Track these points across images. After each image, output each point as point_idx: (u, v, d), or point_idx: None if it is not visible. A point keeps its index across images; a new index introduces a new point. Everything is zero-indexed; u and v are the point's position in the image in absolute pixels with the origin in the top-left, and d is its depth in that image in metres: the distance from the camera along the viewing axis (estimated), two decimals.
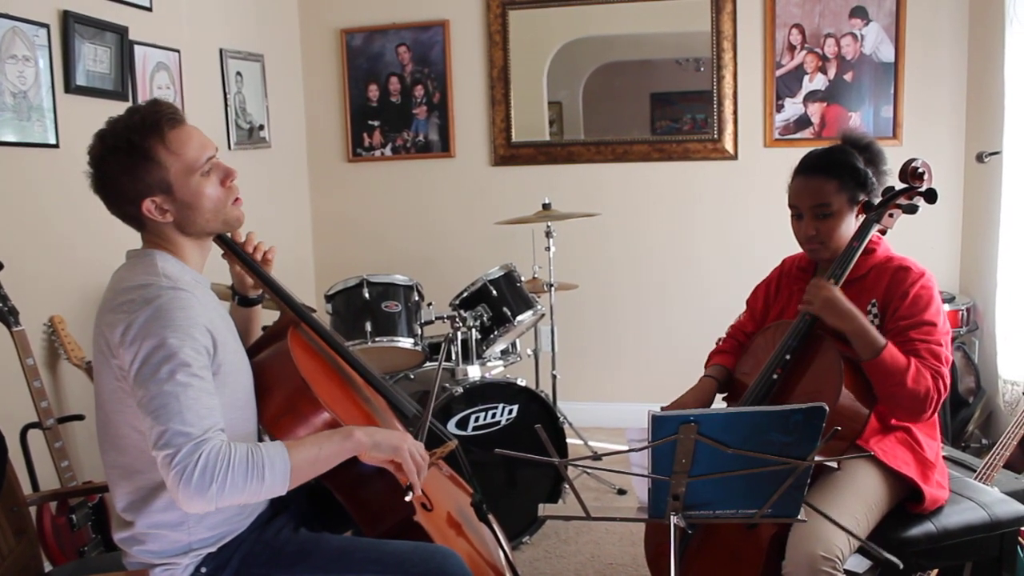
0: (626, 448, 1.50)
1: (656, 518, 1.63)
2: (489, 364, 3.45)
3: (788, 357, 2.11)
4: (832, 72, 4.11)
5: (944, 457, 2.68)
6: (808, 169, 2.16)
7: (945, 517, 2.10)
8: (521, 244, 4.08)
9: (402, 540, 1.85)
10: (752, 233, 4.21)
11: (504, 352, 3.59)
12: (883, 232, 2.21)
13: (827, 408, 1.42)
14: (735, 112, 4.22)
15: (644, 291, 4.44)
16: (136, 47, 3.26)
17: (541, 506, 1.73)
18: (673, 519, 1.61)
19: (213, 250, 1.89)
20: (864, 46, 4.07)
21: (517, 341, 3.67)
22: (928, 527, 2.07)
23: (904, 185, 2.14)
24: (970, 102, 4.03)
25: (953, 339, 3.86)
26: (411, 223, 4.62)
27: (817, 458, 1.59)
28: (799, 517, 1.63)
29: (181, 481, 1.51)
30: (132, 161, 1.67)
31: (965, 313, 3.88)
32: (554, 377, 3.86)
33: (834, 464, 2.03)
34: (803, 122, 4.17)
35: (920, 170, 2.11)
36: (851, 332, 2.02)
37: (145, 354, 1.58)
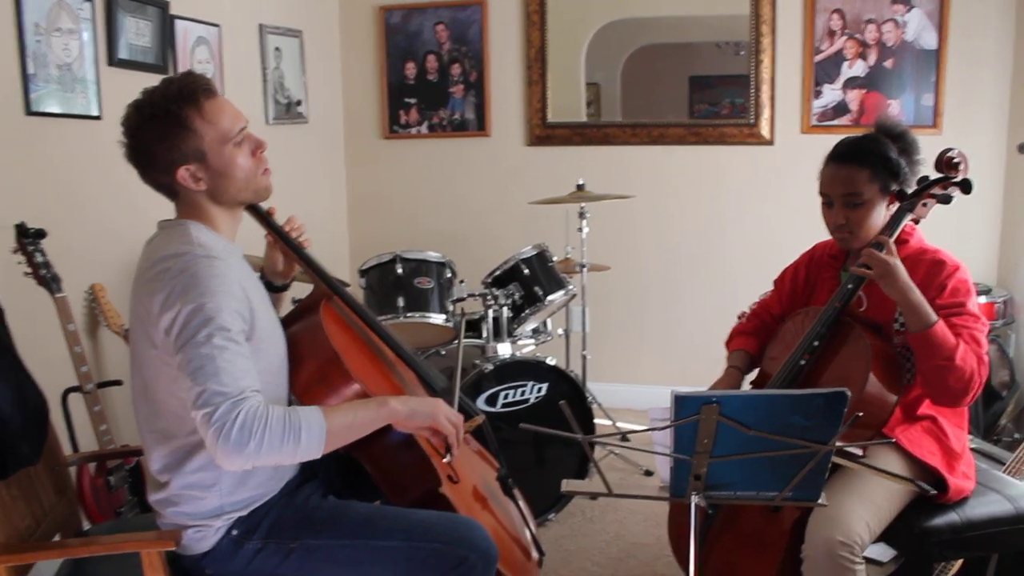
0: (648, 427, 1.52)
1: (677, 497, 1.65)
2: (520, 343, 3.48)
3: (816, 344, 2.11)
4: (872, 59, 4.06)
5: (973, 449, 2.68)
6: (840, 157, 2.15)
7: (970, 508, 2.10)
8: (554, 224, 4.09)
9: (428, 510, 1.89)
10: (786, 220, 4.18)
11: (535, 331, 3.61)
12: (916, 222, 2.19)
13: (849, 394, 1.43)
14: (772, 97, 4.19)
15: (676, 274, 4.44)
16: (177, 21, 3.31)
17: (564, 481, 1.75)
18: (694, 499, 1.62)
19: (249, 226, 1.93)
20: (906, 33, 4.01)
21: (548, 320, 3.69)
22: (952, 517, 2.06)
23: (939, 175, 2.12)
24: (1014, 92, 3.96)
25: (988, 332, 3.83)
26: (445, 201, 4.65)
27: (839, 444, 1.61)
28: (820, 501, 1.64)
29: (220, 438, 1.55)
30: (169, 129, 1.71)
31: (1002, 306, 3.83)
32: (584, 357, 3.89)
33: (859, 451, 2.04)
34: (841, 109, 4.12)
35: (956, 160, 2.09)
36: (906, 302, 1.99)
37: (184, 320, 1.62)
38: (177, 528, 1.78)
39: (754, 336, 2.41)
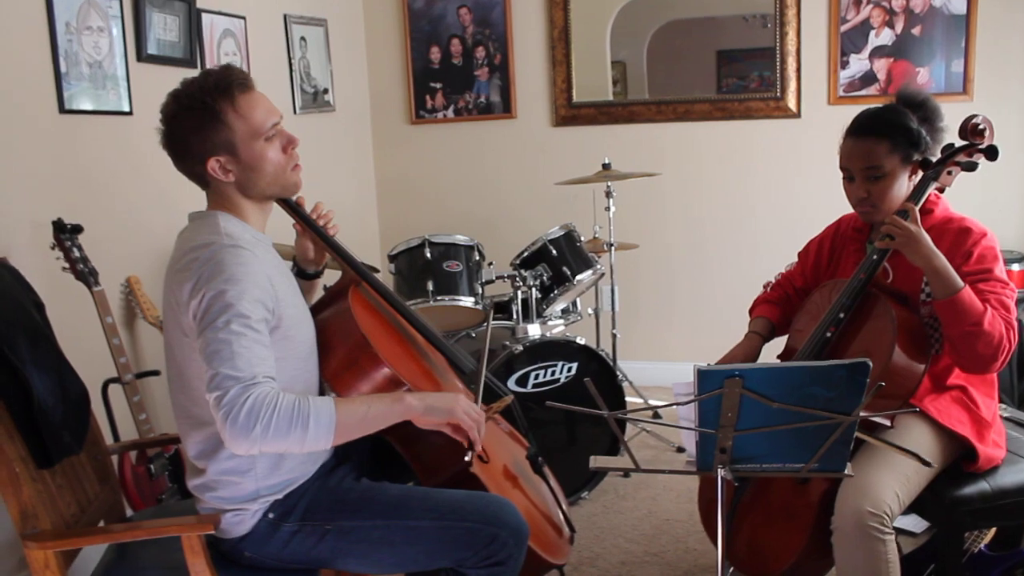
0: (672, 402, 1.54)
1: (704, 471, 1.67)
2: (550, 323, 3.51)
3: (842, 316, 2.11)
4: (900, 26, 4.01)
5: (1005, 418, 2.66)
6: (859, 130, 2.13)
7: (1001, 476, 2.10)
8: (582, 204, 4.10)
9: (459, 489, 1.93)
10: (814, 193, 4.15)
11: (565, 311, 3.63)
12: (941, 190, 2.18)
13: (870, 364, 1.43)
14: (798, 70, 4.15)
15: (703, 250, 4.43)
16: (203, 15, 3.35)
17: (593, 458, 1.77)
18: (720, 472, 1.64)
19: (280, 215, 1.97)
20: None
21: (578, 300, 3.71)
22: (983, 486, 2.06)
23: (964, 142, 2.10)
24: None
25: (1016, 298, 3.78)
26: (473, 184, 4.67)
27: (864, 414, 1.61)
28: (846, 472, 1.65)
29: (228, 420, 1.58)
30: (202, 120, 1.75)
31: None
32: (614, 336, 3.90)
33: (887, 422, 2.04)
34: (869, 79, 4.07)
35: (981, 126, 2.08)
36: (932, 269, 1.98)
37: (206, 306, 1.66)
38: (216, 512, 1.83)
39: (777, 305, 2.42)
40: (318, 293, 2.18)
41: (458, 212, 4.66)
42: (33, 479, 1.81)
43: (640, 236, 4.18)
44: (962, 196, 3.79)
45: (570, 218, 3.57)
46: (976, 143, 2.08)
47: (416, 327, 2.17)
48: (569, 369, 3.19)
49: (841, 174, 2.19)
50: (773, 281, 2.49)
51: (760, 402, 1.49)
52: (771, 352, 2.43)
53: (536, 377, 3.14)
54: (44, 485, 1.85)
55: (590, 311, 3.93)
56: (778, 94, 4.19)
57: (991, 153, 2.07)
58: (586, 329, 4.06)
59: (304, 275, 2.13)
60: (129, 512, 2.46)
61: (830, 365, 1.46)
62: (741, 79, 4.30)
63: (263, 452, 1.65)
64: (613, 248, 3.74)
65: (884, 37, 4.04)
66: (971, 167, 2.08)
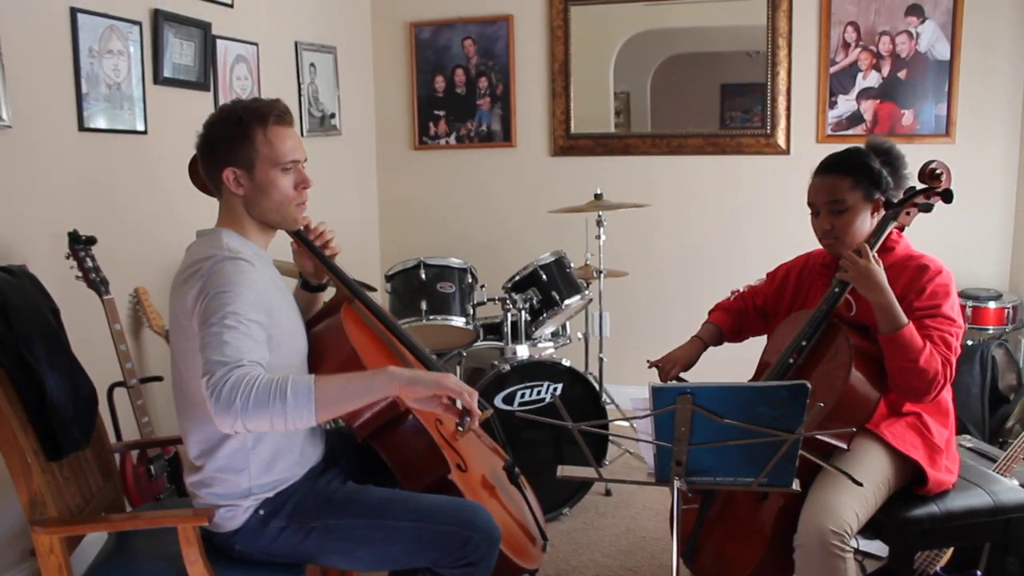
0: (627, 417, 1.67)
1: (661, 482, 1.80)
2: (540, 345, 3.64)
3: (804, 343, 2.25)
4: (886, 69, 4.17)
5: (969, 448, 2.79)
6: (825, 168, 2.30)
7: (950, 500, 2.21)
8: (576, 232, 4.25)
9: (437, 495, 2.06)
10: (802, 228, 4.19)
11: (555, 334, 3.77)
12: (901, 229, 2.32)
13: (809, 386, 1.57)
14: (788, 108, 4.31)
15: (692, 280, 4.57)
16: (218, 41, 3.53)
17: (560, 467, 1.90)
18: (676, 483, 1.77)
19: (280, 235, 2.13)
20: (919, 44, 4.12)
21: (568, 324, 3.85)
22: (932, 508, 2.18)
23: (923, 185, 2.25)
24: None
25: (998, 336, 3.91)
26: (472, 209, 4.83)
27: (814, 433, 1.75)
28: (794, 487, 1.77)
29: (212, 398, 1.69)
30: (233, 133, 1.95)
31: (1011, 311, 3.92)
32: (601, 360, 4.03)
33: (844, 445, 2.17)
34: (856, 119, 4.23)
35: (938, 171, 2.22)
36: (878, 304, 2.12)
37: (205, 307, 1.80)
38: (210, 507, 1.96)
39: (732, 315, 2.62)
40: (321, 303, 2.33)
41: (456, 235, 4.82)
42: (43, 470, 1.95)
43: (631, 264, 4.32)
44: (945, 235, 3.96)
45: (564, 245, 3.72)
46: (933, 187, 2.23)
47: (405, 344, 2.31)
48: (554, 389, 3.32)
49: None
50: (740, 290, 2.65)
51: (711, 419, 1.63)
52: (727, 357, 2.62)
53: (523, 396, 3.28)
54: (52, 476, 1.99)
55: (579, 335, 4.07)
56: (768, 131, 4.35)
57: (947, 196, 2.22)
58: (576, 353, 4.20)
59: (309, 287, 2.28)
60: (128, 509, 2.60)
61: (773, 386, 1.59)
62: (745, 112, 4.45)
63: (248, 429, 1.70)
64: (603, 275, 3.89)
65: (871, 80, 4.20)
66: (927, 208, 2.22)
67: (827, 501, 2.06)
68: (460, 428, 1.90)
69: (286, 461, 2.02)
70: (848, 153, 2.31)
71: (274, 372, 1.79)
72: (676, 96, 4.63)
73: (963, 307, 3.98)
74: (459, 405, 1.90)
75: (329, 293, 2.33)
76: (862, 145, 2.34)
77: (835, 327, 2.25)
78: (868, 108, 4.22)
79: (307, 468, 2.08)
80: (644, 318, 4.65)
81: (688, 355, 2.58)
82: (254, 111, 1.97)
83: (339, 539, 1.98)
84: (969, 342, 3.92)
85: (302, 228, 2.17)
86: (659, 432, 1.69)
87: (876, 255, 2.17)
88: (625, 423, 3.19)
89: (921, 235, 3.96)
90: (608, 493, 3.61)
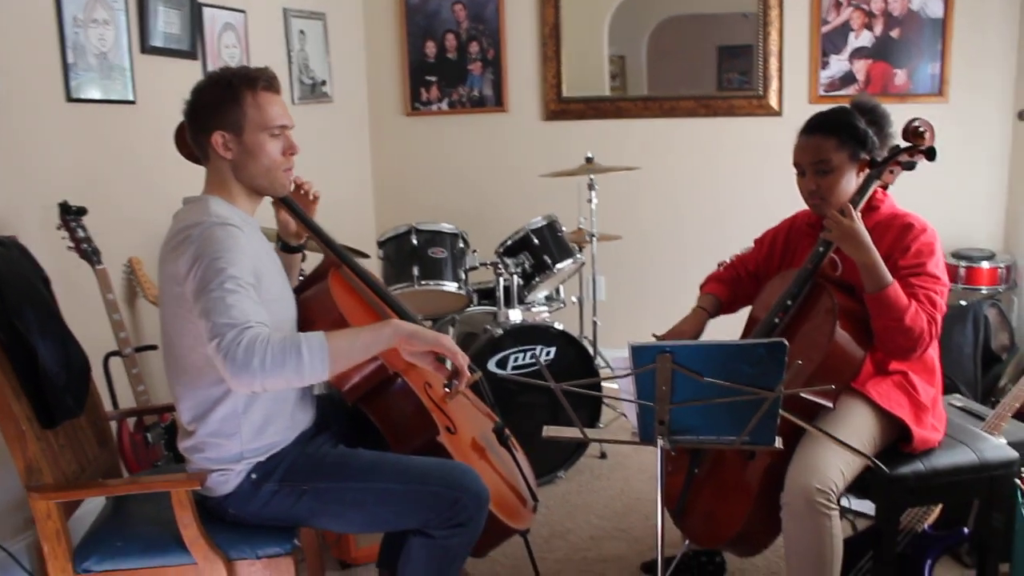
0: (609, 376, 1.69)
1: (646, 441, 1.83)
2: (534, 310, 3.66)
3: (789, 303, 2.27)
4: (879, 29, 4.14)
5: (959, 407, 2.82)
6: (810, 128, 2.30)
7: (935, 458, 2.24)
8: (568, 196, 4.25)
9: (427, 457, 2.09)
10: (792, 190, 4.19)
11: (549, 298, 3.79)
12: (884, 187, 2.33)
13: (786, 343, 1.58)
14: (780, 69, 4.30)
15: (685, 243, 4.58)
16: (205, 9, 3.50)
17: (545, 427, 1.92)
18: (660, 443, 1.80)
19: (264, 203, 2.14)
20: (912, 2, 4.10)
21: (561, 288, 3.87)
22: (917, 466, 2.21)
23: (907, 144, 2.25)
24: (1021, 59, 4.03)
25: (991, 296, 3.93)
26: (465, 174, 4.83)
27: (798, 391, 1.77)
28: (776, 445, 1.80)
29: (227, 360, 1.72)
30: (223, 96, 1.96)
31: (1004, 271, 3.94)
32: (595, 323, 4.06)
33: (829, 404, 2.19)
34: (848, 79, 4.22)
35: (921, 129, 2.22)
36: (863, 264, 2.14)
37: (202, 274, 1.82)
38: (202, 471, 2.00)
39: (727, 285, 2.60)
40: (299, 264, 2.34)
41: (449, 200, 4.82)
42: (38, 437, 1.97)
43: (623, 228, 4.33)
44: (939, 195, 3.96)
45: (557, 209, 3.72)
46: (917, 145, 2.23)
47: (393, 308, 2.33)
48: (548, 353, 3.34)
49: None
50: (727, 261, 2.66)
51: (692, 377, 1.65)
52: (722, 327, 2.59)
53: (516, 360, 3.30)
54: (47, 444, 2.02)
55: (574, 299, 4.08)
56: (760, 92, 4.34)
57: (930, 154, 2.22)
58: (571, 316, 4.22)
59: (287, 248, 2.29)
60: (126, 475, 2.63)
61: (751, 343, 1.61)
62: (742, 74, 4.43)
63: (266, 388, 1.75)
64: (595, 239, 3.89)
65: (863, 39, 4.18)
66: (910, 167, 2.23)
67: (812, 460, 2.09)
68: (448, 389, 1.95)
69: (277, 425, 2.04)
70: (833, 113, 2.31)
71: None
72: (672, 59, 4.61)
73: (956, 267, 4.00)
74: (449, 366, 1.96)
75: (314, 260, 2.34)
76: (847, 104, 2.34)
77: (820, 286, 2.26)
78: (861, 68, 4.20)
79: (298, 432, 2.11)
80: (638, 281, 4.66)
81: (694, 327, 2.55)
82: (243, 76, 1.99)
83: (330, 502, 2.01)
84: (962, 302, 3.93)
85: (289, 196, 2.18)
86: (641, 391, 1.71)
87: (859, 214, 2.17)
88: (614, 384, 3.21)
89: (914, 195, 3.96)
90: (603, 456, 3.65)
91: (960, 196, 4.18)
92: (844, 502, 2.70)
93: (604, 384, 2.65)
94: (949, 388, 3.29)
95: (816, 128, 2.29)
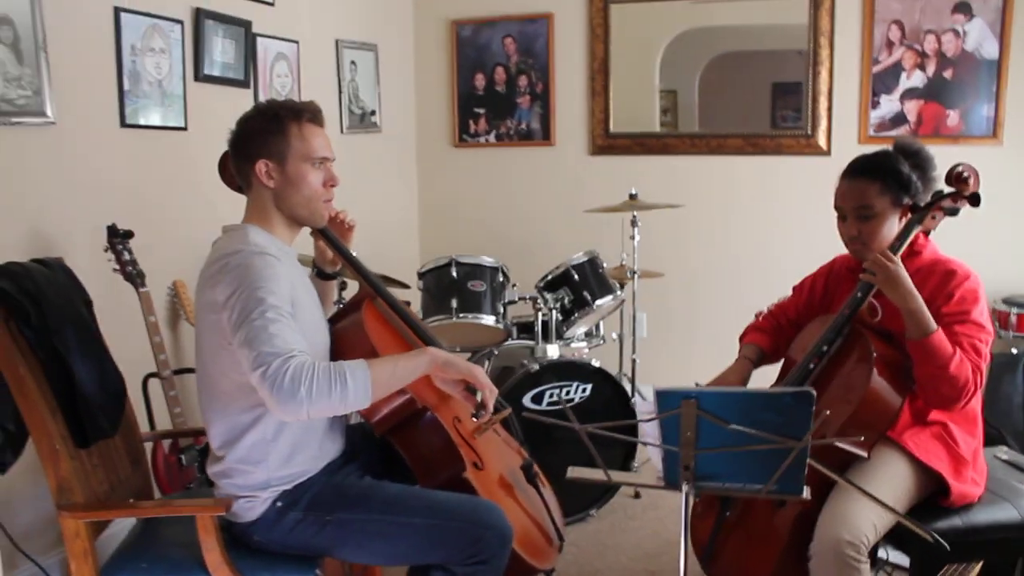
0: (635, 420, 1.67)
1: (671, 486, 1.80)
2: (573, 345, 3.65)
3: (825, 349, 2.22)
4: (931, 69, 4.08)
5: (1005, 461, 2.72)
6: (853, 172, 2.26)
7: (975, 514, 2.17)
8: (613, 232, 4.24)
9: (452, 492, 2.08)
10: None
11: (588, 334, 3.77)
12: (927, 234, 2.28)
13: (814, 393, 1.55)
14: (830, 108, 4.25)
15: (729, 282, 4.52)
16: (259, 39, 3.59)
17: (570, 468, 1.91)
18: (684, 488, 1.77)
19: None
20: (966, 43, 4.02)
21: (601, 324, 3.85)
22: (955, 521, 2.14)
23: (950, 189, 2.21)
24: None
25: (991, 341, 3.80)
26: (510, 207, 4.85)
27: (820, 441, 1.73)
28: (804, 496, 1.76)
29: (274, 390, 1.75)
30: (268, 126, 2.02)
31: None
32: (634, 361, 4.02)
33: (864, 453, 2.14)
34: (899, 119, 4.15)
35: (965, 174, 2.17)
36: (907, 310, 2.09)
37: (241, 305, 1.86)
38: (229, 497, 2.02)
39: (768, 334, 2.54)
40: (334, 292, 2.37)
41: (494, 233, 4.84)
42: (71, 456, 2.01)
43: (667, 265, 4.29)
44: (990, 240, 3.88)
45: (601, 245, 3.71)
46: (960, 190, 2.18)
47: (425, 340, 2.33)
48: (583, 390, 3.32)
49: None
50: (765, 311, 2.61)
51: (717, 424, 1.62)
52: (761, 371, 2.54)
53: (551, 396, 3.28)
54: (80, 463, 2.05)
55: (614, 336, 4.05)
56: (809, 132, 4.29)
57: (974, 200, 2.17)
58: (611, 353, 4.19)
59: (323, 275, 2.33)
60: (158, 496, 2.67)
61: (777, 392, 1.58)
62: (796, 111, 4.38)
63: (311, 416, 1.79)
64: (636, 276, 3.87)
65: (915, 79, 4.12)
66: (953, 212, 2.18)
67: (844, 511, 2.03)
68: (474, 419, 2.04)
69: (305, 454, 2.06)
70: (877, 156, 2.27)
71: None
72: (726, 95, 4.59)
73: (1007, 313, 3.89)
74: (478, 397, 2.03)
75: (351, 289, 2.37)
76: (890, 147, 2.30)
77: (857, 332, 2.22)
78: (912, 109, 4.14)
79: (325, 462, 2.12)
80: (680, 319, 4.62)
81: (739, 377, 2.49)
82: (290, 108, 2.05)
83: (353, 532, 2.01)
84: (1013, 350, 3.82)
85: (327, 226, 2.21)
86: (666, 436, 1.69)
87: (900, 259, 2.13)
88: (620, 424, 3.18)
89: (966, 239, 3.89)
90: (637, 496, 3.60)
91: (1013, 241, 4.07)
92: (881, 553, 2.63)
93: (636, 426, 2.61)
94: (995, 440, 3.18)
95: (859, 172, 2.26)
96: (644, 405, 1.68)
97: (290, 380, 1.75)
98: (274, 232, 2.08)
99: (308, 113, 2.06)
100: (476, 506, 2.03)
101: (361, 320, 2.16)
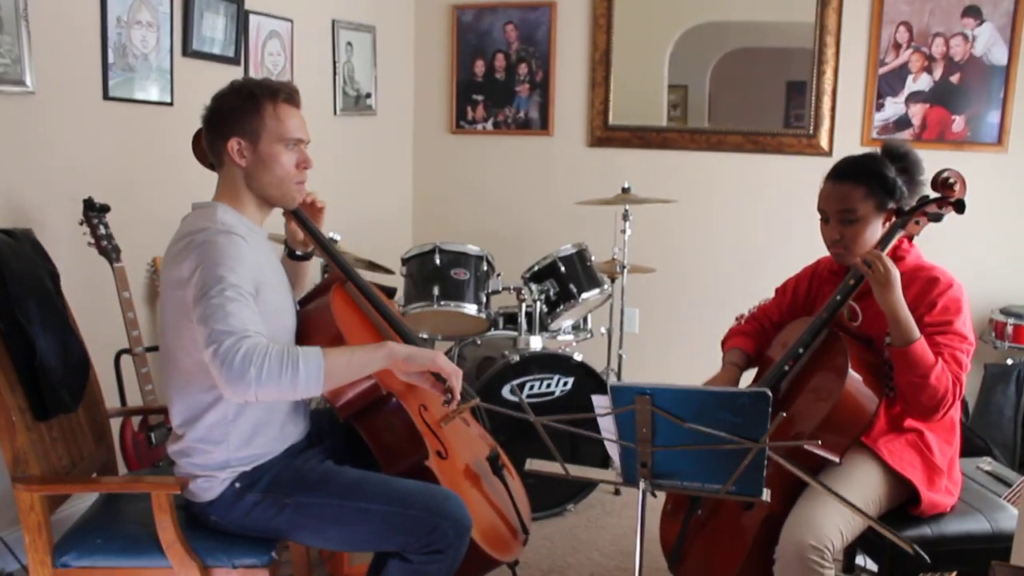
0: (584, 415, 1.64)
1: (628, 483, 1.77)
2: (560, 338, 3.60)
3: (801, 351, 2.18)
4: (938, 73, 4.01)
5: (987, 472, 2.68)
6: (837, 174, 2.21)
7: (945, 524, 2.13)
8: (607, 225, 4.18)
9: (412, 480, 2.05)
10: None
11: (576, 328, 3.72)
12: (910, 238, 2.23)
13: (769, 393, 1.51)
14: (833, 108, 4.17)
15: (722, 280, 4.45)
16: (251, 16, 3.55)
17: (529, 460, 1.87)
18: (641, 485, 1.73)
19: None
20: (975, 47, 3.95)
21: (590, 318, 3.80)
22: (924, 530, 2.10)
23: (936, 195, 2.16)
24: None
25: (973, 351, 3.73)
26: (506, 196, 4.80)
27: (778, 444, 1.69)
28: (764, 498, 1.72)
29: (223, 368, 1.73)
30: (242, 103, 1.99)
31: None
32: (620, 356, 3.98)
33: (836, 459, 2.09)
34: (903, 123, 4.08)
35: (951, 180, 2.12)
36: (893, 316, 2.04)
37: (201, 282, 1.83)
38: (188, 476, 1.99)
39: (751, 338, 2.49)
40: (307, 272, 2.34)
41: (489, 222, 4.79)
42: (28, 428, 1.98)
43: (658, 261, 4.24)
44: (989, 249, 3.82)
45: (594, 238, 3.66)
46: (947, 196, 2.13)
47: (394, 327, 2.30)
48: (565, 383, 3.28)
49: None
50: (747, 314, 2.56)
51: (673, 421, 1.58)
52: (744, 379, 2.50)
53: (531, 388, 3.24)
54: (39, 436, 2.03)
55: (603, 330, 4.01)
56: (811, 131, 4.23)
57: (959, 206, 2.12)
58: (599, 348, 4.15)
59: (294, 256, 2.30)
60: (123, 473, 2.64)
61: (733, 392, 1.54)
62: None
63: (259, 398, 1.76)
64: (626, 270, 3.82)
65: (922, 83, 4.04)
66: (937, 218, 2.13)
67: (810, 515, 2.00)
68: (445, 405, 2.02)
69: (265, 436, 2.03)
70: (863, 159, 2.22)
71: None
72: (739, 92, 4.50)
73: (1004, 323, 3.83)
74: (446, 385, 2.02)
75: (316, 267, 2.33)
76: (878, 150, 2.25)
77: (834, 336, 2.17)
78: (917, 112, 4.06)
79: (287, 445, 2.09)
80: (671, 316, 4.56)
81: (727, 383, 2.44)
82: (266, 86, 2.02)
83: (310, 517, 1.99)
84: (1009, 360, 3.77)
85: (299, 208, 2.17)
86: (622, 432, 1.65)
87: None
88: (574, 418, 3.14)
89: (963, 248, 3.84)
90: (617, 492, 3.56)
91: (1013, 250, 4.01)
92: (859, 560, 2.59)
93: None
94: (982, 450, 3.13)
95: (844, 175, 2.21)
96: (600, 400, 1.64)
97: (240, 360, 1.72)
98: (244, 211, 2.05)
99: (284, 93, 2.02)
100: (434, 494, 2.00)
101: (328, 303, 2.13)
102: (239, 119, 1.98)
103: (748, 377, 2.51)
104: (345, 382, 1.94)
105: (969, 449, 2.84)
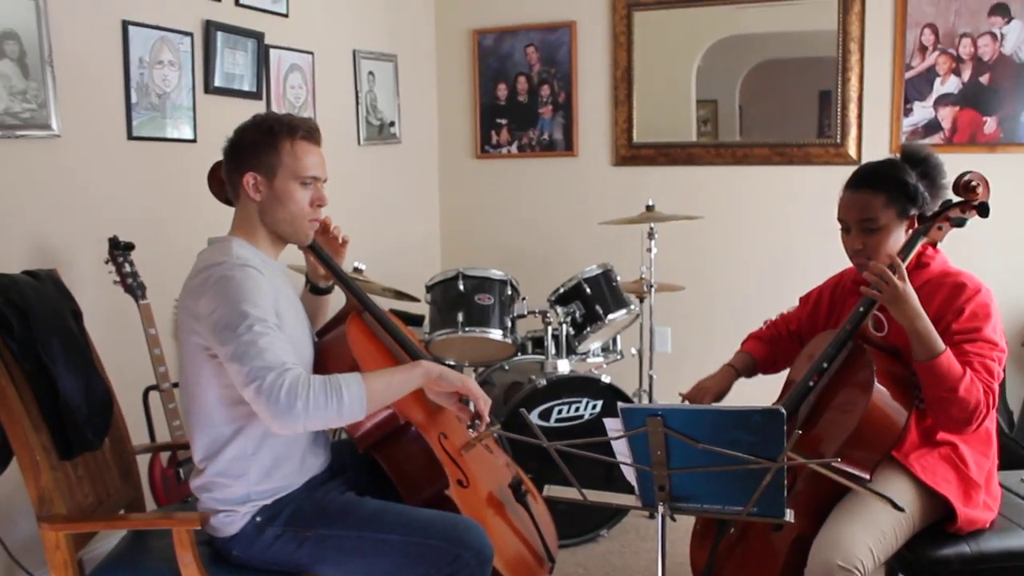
0: (603, 438, 1.61)
1: (647, 507, 1.73)
2: (589, 360, 3.56)
3: (825, 365, 2.13)
4: (967, 74, 3.93)
5: None
6: (857, 183, 2.17)
7: (985, 540, 2.05)
8: (634, 244, 4.15)
9: (433, 509, 2.03)
10: None
11: (605, 349, 3.68)
12: (933, 244, 2.17)
13: (783, 411, 1.47)
14: (860, 116, 4.11)
15: (753, 296, 4.37)
16: (272, 50, 3.59)
17: (547, 487, 1.85)
18: (660, 509, 1.70)
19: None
20: (1004, 46, 3.86)
21: (619, 339, 3.76)
22: (963, 548, 2.03)
23: (958, 199, 2.10)
24: None
25: (1005, 358, 3.62)
26: (534, 219, 4.79)
27: (795, 462, 1.64)
28: (787, 519, 1.67)
29: (270, 403, 1.75)
30: (261, 139, 2.01)
31: None
32: (651, 377, 3.92)
33: (865, 475, 2.03)
34: (933, 127, 4.00)
35: (974, 183, 2.06)
36: (912, 331, 1.98)
37: (225, 318, 1.84)
38: (209, 511, 1.99)
39: (765, 343, 2.46)
40: (328, 307, 2.34)
41: (516, 245, 4.78)
42: (53, 468, 2.00)
43: (688, 278, 4.18)
44: (1016, 252, 3.71)
45: (622, 257, 3.62)
46: (969, 200, 2.07)
47: (412, 355, 2.27)
48: (593, 407, 3.24)
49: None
50: (770, 321, 2.53)
51: (687, 443, 1.54)
52: (765, 389, 2.45)
53: (559, 412, 3.21)
54: (64, 475, 2.04)
55: (633, 351, 3.96)
56: (838, 140, 4.16)
57: (983, 210, 2.06)
58: (631, 369, 4.10)
59: (316, 290, 2.31)
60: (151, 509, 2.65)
61: (745, 410, 1.50)
62: None
63: (307, 428, 1.81)
64: (653, 289, 3.78)
65: (950, 85, 3.97)
66: (960, 223, 2.07)
67: (838, 535, 1.94)
68: (470, 430, 2.05)
69: (286, 469, 2.03)
70: (883, 166, 2.18)
71: None
72: (770, 103, 4.46)
73: None
74: (472, 409, 2.05)
75: (338, 300, 2.34)
76: (897, 156, 2.20)
77: (859, 348, 2.12)
78: (947, 115, 3.99)
79: (307, 477, 2.09)
80: (704, 334, 4.50)
81: (719, 384, 2.44)
82: (285, 123, 2.03)
83: (330, 549, 1.98)
84: None
85: (316, 242, 2.18)
86: (637, 455, 1.62)
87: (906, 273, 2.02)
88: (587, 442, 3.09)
89: (999, 253, 3.74)
90: (652, 516, 3.50)
91: None
92: None
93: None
94: (1021, 463, 3.03)
95: (863, 183, 2.16)
96: (612, 423, 1.61)
97: (286, 394, 1.76)
98: (258, 245, 2.06)
99: (303, 130, 2.04)
100: (455, 524, 1.98)
101: (344, 333, 2.13)
102: (256, 154, 2.01)
103: (763, 388, 2.46)
104: (387, 403, 1.97)
105: (1011, 461, 2.74)
